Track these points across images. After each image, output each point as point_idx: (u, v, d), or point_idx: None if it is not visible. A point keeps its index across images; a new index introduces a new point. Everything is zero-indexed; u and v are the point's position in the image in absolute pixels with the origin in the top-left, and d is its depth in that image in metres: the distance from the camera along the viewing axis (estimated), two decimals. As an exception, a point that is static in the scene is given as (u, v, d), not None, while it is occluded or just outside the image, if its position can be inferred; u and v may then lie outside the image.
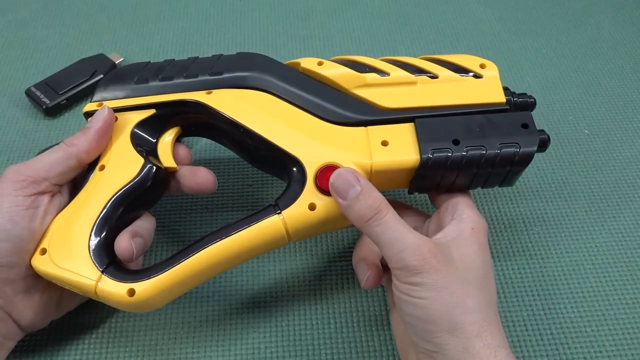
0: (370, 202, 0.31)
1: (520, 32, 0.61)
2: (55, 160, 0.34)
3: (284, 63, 0.39)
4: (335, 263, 0.42)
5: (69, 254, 0.33)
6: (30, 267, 0.33)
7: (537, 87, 0.55)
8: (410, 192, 0.37)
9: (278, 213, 0.34)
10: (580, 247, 0.43)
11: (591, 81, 0.56)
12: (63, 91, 0.52)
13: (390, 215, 0.31)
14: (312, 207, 0.34)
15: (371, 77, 0.37)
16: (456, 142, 0.34)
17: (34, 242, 0.33)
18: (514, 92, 0.38)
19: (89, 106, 0.38)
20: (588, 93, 0.54)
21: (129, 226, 0.35)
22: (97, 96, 0.38)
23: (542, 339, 0.39)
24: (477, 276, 0.31)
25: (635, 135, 0.51)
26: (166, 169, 0.37)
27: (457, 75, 0.37)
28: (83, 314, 0.40)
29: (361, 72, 0.37)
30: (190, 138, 0.50)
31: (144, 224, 0.36)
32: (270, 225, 0.34)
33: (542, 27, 0.61)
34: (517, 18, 0.62)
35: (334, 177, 0.33)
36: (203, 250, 0.33)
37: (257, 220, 0.34)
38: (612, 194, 0.47)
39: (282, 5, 0.64)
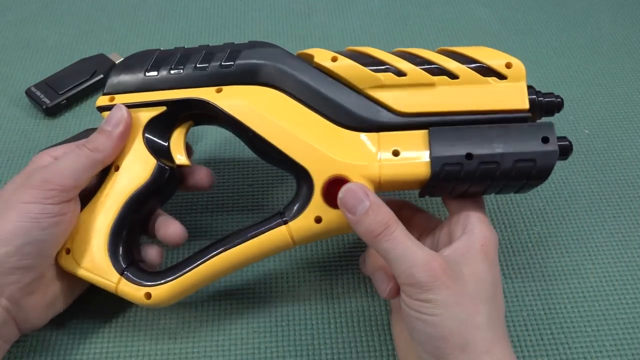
0: (379, 217, 0.31)
1: (520, 32, 0.61)
2: (83, 169, 0.34)
3: (296, 54, 0.38)
4: (336, 263, 0.42)
5: (90, 256, 0.35)
6: (41, 270, 0.34)
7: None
8: (420, 196, 0.37)
9: (285, 223, 0.34)
10: (580, 247, 0.43)
11: (591, 81, 0.56)
12: (63, 91, 0.52)
13: (399, 231, 0.31)
14: (318, 220, 0.34)
15: (387, 77, 0.35)
16: (469, 156, 0.33)
17: (57, 248, 0.34)
18: (539, 92, 0.36)
19: (101, 100, 0.37)
20: (588, 93, 0.54)
21: (169, 216, 0.38)
22: (108, 88, 0.38)
23: (542, 339, 0.39)
24: (486, 292, 0.31)
25: (635, 135, 0.51)
26: (179, 166, 0.38)
27: (479, 76, 0.35)
28: (83, 314, 0.40)
29: (377, 70, 0.35)
30: (192, 136, 0.50)
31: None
32: (277, 236, 0.35)
33: (542, 27, 0.61)
34: (517, 18, 0.62)
35: (343, 192, 0.32)
36: (214, 258, 0.35)
37: (265, 230, 0.35)
38: (612, 194, 0.47)
39: (282, 5, 0.64)
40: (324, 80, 0.36)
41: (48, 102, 0.51)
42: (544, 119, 0.36)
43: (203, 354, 0.38)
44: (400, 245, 0.31)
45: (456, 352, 0.29)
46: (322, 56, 0.36)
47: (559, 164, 0.48)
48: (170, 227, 0.37)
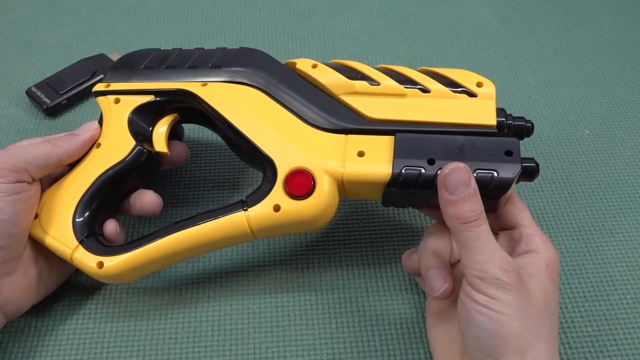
0: (475, 207, 0.31)
1: (520, 32, 0.61)
2: (39, 155, 0.36)
3: (284, 62, 0.40)
4: (337, 263, 0.42)
5: (55, 222, 0.37)
6: (12, 250, 0.35)
7: (538, 87, 0.55)
8: (384, 205, 0.37)
9: (245, 210, 0.35)
10: (580, 247, 0.43)
11: (592, 81, 0.56)
12: (63, 91, 0.52)
13: (486, 227, 0.31)
14: (276, 208, 0.35)
15: (360, 84, 0.37)
16: (431, 162, 0.33)
17: (19, 226, 0.35)
18: (510, 115, 0.36)
19: (98, 86, 0.41)
20: (589, 93, 0.54)
21: (144, 189, 0.39)
22: (107, 77, 0.42)
23: (542, 339, 0.39)
24: (551, 309, 0.32)
25: (635, 135, 0.51)
26: (157, 153, 0.40)
27: (450, 91, 0.36)
28: (83, 314, 0.40)
29: (352, 78, 0.37)
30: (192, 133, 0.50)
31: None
32: (234, 221, 0.35)
33: (542, 27, 0.61)
34: (517, 18, 0.62)
35: (449, 169, 0.32)
36: (169, 237, 0.35)
37: (224, 214, 0.35)
38: (613, 194, 0.47)
39: (282, 5, 0.64)
40: (302, 84, 0.38)
41: (48, 102, 0.51)
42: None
43: (204, 354, 0.38)
44: (484, 239, 0.31)
45: (515, 355, 0.29)
46: (304, 64, 0.39)
47: (559, 165, 0.49)
48: (145, 197, 0.39)
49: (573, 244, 0.44)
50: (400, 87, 0.37)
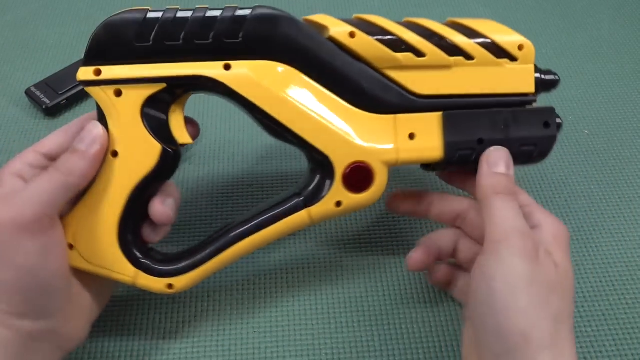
0: (511, 186, 0.33)
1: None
2: (55, 193, 0.31)
3: (303, 20, 0.35)
4: (337, 263, 0.42)
5: (100, 252, 0.33)
6: (61, 298, 0.32)
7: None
8: (426, 170, 0.39)
9: (305, 208, 0.35)
10: (580, 247, 0.43)
11: (591, 81, 0.56)
12: (63, 91, 0.52)
13: (517, 204, 0.33)
14: (338, 204, 0.35)
15: (406, 57, 0.34)
16: (480, 141, 0.35)
17: (60, 277, 0.31)
18: (540, 69, 0.37)
19: (85, 73, 0.32)
20: (588, 93, 0.54)
21: (157, 194, 0.34)
22: (91, 58, 0.32)
23: (542, 339, 0.39)
24: (560, 288, 0.31)
25: (635, 135, 0.51)
26: (181, 145, 0.35)
27: (493, 58, 0.35)
28: (83, 314, 0.40)
29: (396, 50, 0.34)
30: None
31: (167, 187, 0.35)
32: (298, 220, 0.35)
33: (542, 27, 0.61)
34: (517, 18, 0.62)
35: (492, 150, 0.35)
36: (235, 246, 0.35)
37: (286, 215, 0.35)
38: (612, 194, 0.47)
39: (282, 5, 0.63)
40: (341, 57, 0.34)
41: (48, 102, 0.51)
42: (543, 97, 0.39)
43: (203, 354, 0.38)
44: (513, 210, 0.32)
45: (518, 336, 0.29)
46: (339, 31, 0.34)
47: (559, 165, 0.49)
48: (155, 208, 0.34)
49: (573, 244, 0.44)
50: (446, 58, 0.35)
